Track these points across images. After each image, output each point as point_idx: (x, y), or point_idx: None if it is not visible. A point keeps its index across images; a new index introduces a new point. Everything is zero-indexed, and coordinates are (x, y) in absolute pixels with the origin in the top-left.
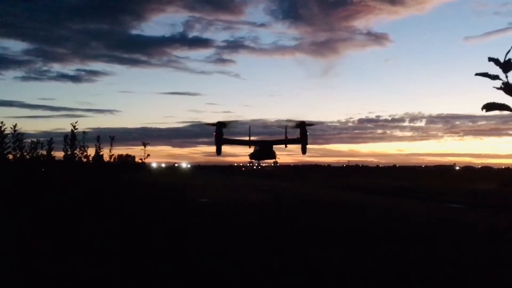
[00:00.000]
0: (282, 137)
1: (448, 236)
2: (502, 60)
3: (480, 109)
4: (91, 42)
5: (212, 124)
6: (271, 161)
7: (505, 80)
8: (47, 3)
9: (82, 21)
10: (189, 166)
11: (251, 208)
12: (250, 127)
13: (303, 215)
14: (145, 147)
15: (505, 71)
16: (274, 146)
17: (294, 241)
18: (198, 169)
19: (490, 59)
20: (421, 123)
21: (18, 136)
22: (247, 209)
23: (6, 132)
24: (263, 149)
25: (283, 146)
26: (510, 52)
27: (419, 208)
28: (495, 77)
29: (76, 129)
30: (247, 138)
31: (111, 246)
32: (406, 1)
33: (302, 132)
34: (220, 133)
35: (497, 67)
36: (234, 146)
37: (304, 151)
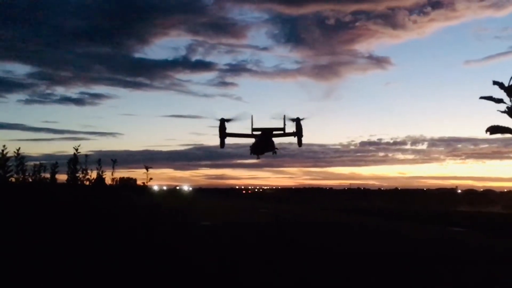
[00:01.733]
0: (281, 124)
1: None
2: (506, 84)
3: (484, 132)
4: (95, 65)
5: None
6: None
7: (510, 104)
8: (51, 26)
9: (85, 45)
10: (190, 189)
11: (252, 231)
12: (252, 116)
13: (304, 237)
14: (147, 170)
15: (510, 95)
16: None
17: (294, 264)
18: (200, 192)
19: (495, 83)
20: (423, 146)
21: (21, 159)
22: (248, 232)
23: (8, 155)
24: (263, 140)
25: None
26: None
27: (421, 231)
28: (499, 101)
29: (79, 152)
30: (249, 132)
31: (109, 271)
32: (407, 25)
33: (297, 126)
34: (223, 128)
35: (501, 91)
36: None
37: (299, 143)
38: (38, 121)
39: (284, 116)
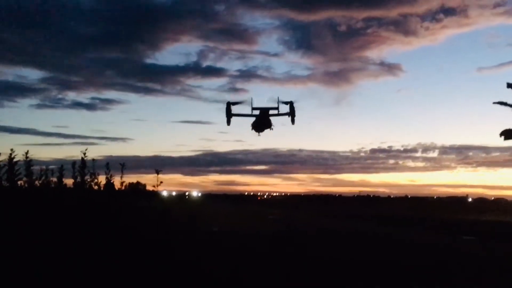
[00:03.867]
0: (276, 105)
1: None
2: None
3: (497, 139)
4: (106, 70)
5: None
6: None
7: None
8: (64, 32)
9: (97, 50)
10: (199, 194)
11: (261, 238)
12: (252, 98)
13: (312, 244)
14: (158, 174)
15: None
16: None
17: (303, 270)
18: (209, 198)
19: (509, 85)
20: (434, 154)
21: (29, 163)
22: (257, 239)
23: (16, 159)
24: (262, 117)
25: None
26: None
27: (429, 239)
28: None
29: (86, 156)
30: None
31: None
32: (419, 32)
33: (290, 108)
34: (229, 109)
35: None
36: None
37: (293, 122)
38: (49, 125)
39: (278, 98)
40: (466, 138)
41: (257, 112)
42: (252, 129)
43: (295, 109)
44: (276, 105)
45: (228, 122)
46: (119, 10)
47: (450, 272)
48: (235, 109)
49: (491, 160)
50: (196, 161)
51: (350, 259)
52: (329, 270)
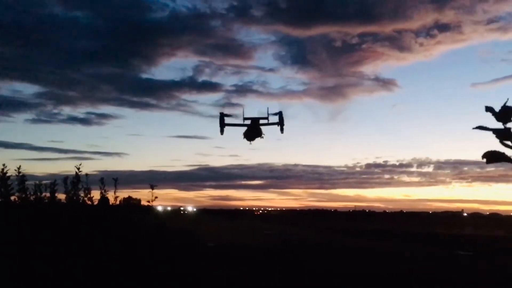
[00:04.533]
0: (266, 115)
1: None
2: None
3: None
4: (102, 85)
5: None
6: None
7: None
8: (60, 47)
9: (93, 65)
10: (194, 209)
11: (257, 253)
12: (243, 108)
13: (311, 259)
14: (152, 189)
15: (499, 119)
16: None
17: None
18: (204, 213)
19: (488, 109)
20: (429, 169)
21: (22, 178)
22: (253, 254)
23: (8, 174)
24: (253, 126)
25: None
26: (508, 101)
27: (427, 253)
28: (495, 131)
29: (80, 171)
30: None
31: None
32: (414, 48)
33: (279, 117)
34: (223, 119)
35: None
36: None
37: (282, 131)
38: (44, 140)
39: (268, 108)
40: (461, 153)
41: (248, 122)
42: (244, 138)
43: (284, 118)
44: (266, 115)
45: (222, 132)
46: (115, 26)
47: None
48: (228, 119)
49: (486, 175)
50: (191, 176)
51: (350, 272)
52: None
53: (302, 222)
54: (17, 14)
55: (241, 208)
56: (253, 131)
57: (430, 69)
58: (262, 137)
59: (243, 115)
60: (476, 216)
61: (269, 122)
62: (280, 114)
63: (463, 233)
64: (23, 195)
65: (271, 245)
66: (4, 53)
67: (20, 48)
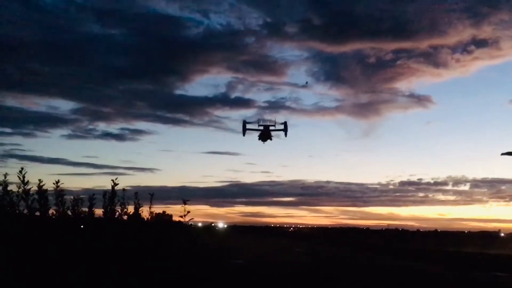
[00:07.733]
0: (273, 123)
1: None
2: None
3: None
4: (136, 101)
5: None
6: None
7: None
8: (95, 64)
9: (128, 82)
10: (225, 226)
11: (287, 272)
12: (258, 119)
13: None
14: (185, 204)
15: None
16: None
17: None
18: (235, 229)
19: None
20: (465, 187)
21: (59, 193)
22: (282, 273)
23: (44, 188)
24: (265, 131)
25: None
26: None
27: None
28: None
29: (117, 184)
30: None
31: None
32: (450, 64)
33: (284, 125)
34: (245, 125)
35: None
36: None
37: (285, 135)
38: (79, 155)
39: (275, 119)
40: (499, 171)
41: (261, 128)
42: (259, 139)
43: (288, 126)
44: (273, 123)
45: (244, 134)
46: (150, 43)
47: None
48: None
49: None
50: (222, 192)
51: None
52: None
53: (336, 241)
54: (56, 32)
55: (272, 225)
56: (264, 134)
57: (467, 86)
58: (271, 139)
59: (258, 123)
60: None
61: (276, 128)
62: (285, 123)
63: (502, 253)
64: (61, 209)
65: (300, 263)
66: (42, 70)
67: (58, 65)
